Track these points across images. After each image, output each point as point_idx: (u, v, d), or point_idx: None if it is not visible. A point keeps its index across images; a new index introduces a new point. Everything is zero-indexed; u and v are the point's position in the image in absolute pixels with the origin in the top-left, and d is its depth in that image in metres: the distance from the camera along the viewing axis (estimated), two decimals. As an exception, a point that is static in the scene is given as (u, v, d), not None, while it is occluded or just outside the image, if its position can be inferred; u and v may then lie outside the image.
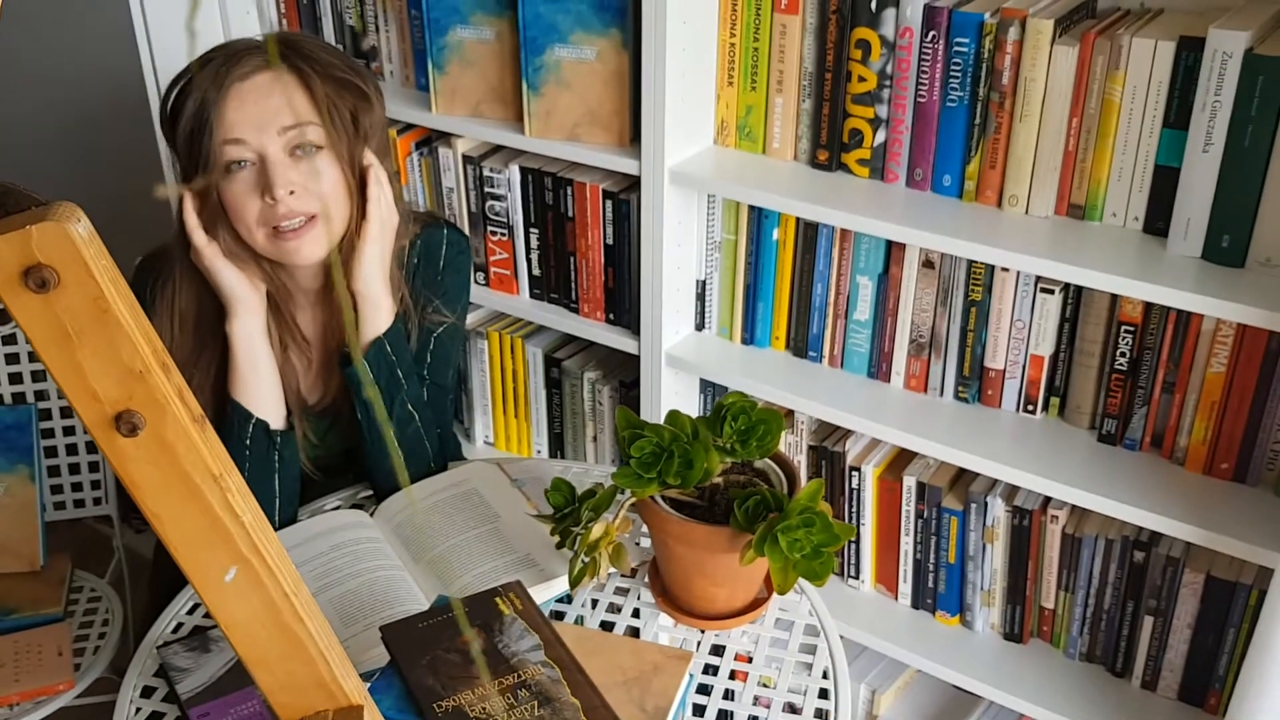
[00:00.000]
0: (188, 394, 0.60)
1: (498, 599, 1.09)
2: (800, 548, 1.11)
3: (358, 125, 1.31)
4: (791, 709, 1.15)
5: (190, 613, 1.29)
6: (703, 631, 1.24)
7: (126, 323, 0.57)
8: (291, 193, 1.26)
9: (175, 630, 1.26)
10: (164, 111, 1.31)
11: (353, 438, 1.45)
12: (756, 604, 1.27)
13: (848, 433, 1.65)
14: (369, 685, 0.91)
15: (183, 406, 0.60)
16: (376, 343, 1.34)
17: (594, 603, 1.27)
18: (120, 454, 0.60)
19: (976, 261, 1.44)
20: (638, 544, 1.36)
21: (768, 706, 1.15)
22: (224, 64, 1.25)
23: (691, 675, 1.07)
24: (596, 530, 1.20)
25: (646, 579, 1.29)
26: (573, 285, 1.73)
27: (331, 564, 1.28)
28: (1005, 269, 1.42)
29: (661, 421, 1.21)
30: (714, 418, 1.22)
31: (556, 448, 1.91)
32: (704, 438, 1.20)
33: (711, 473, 1.19)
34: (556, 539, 1.24)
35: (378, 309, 1.34)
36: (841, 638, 1.24)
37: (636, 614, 1.26)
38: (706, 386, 1.75)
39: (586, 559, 1.21)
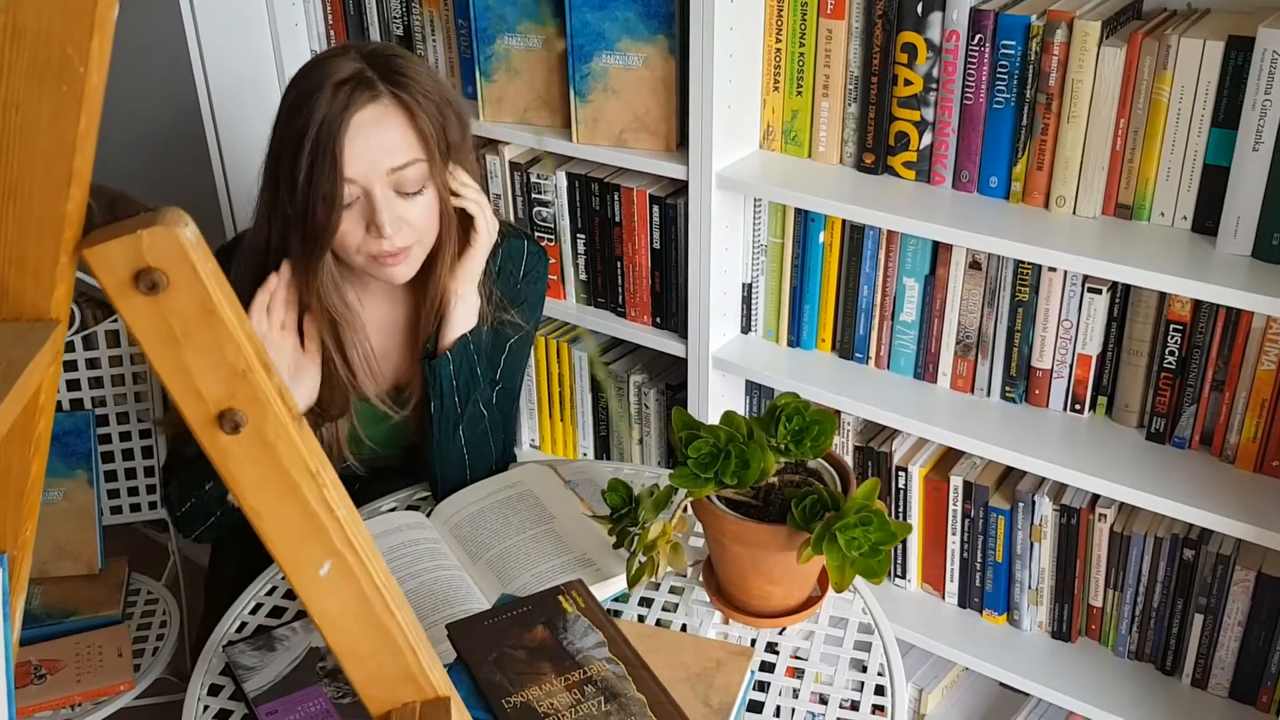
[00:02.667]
0: (287, 393, 0.63)
1: (560, 597, 1.11)
2: (858, 546, 1.12)
3: (450, 145, 1.32)
4: (852, 706, 1.16)
5: (253, 612, 1.31)
6: (757, 630, 1.25)
7: (231, 324, 0.59)
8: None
9: (239, 630, 1.29)
10: (277, 132, 1.31)
11: (410, 436, 1.47)
12: (810, 602, 1.28)
13: (894, 433, 1.66)
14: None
15: (283, 405, 0.62)
16: (462, 339, 1.37)
17: (647, 602, 1.28)
18: (222, 451, 0.62)
19: (1024, 262, 1.45)
20: (689, 543, 1.37)
21: (824, 702, 1.16)
22: (335, 94, 1.25)
23: (752, 672, 1.09)
24: (654, 530, 1.22)
25: (700, 578, 1.31)
26: (619, 289, 1.75)
27: (391, 563, 1.30)
28: (1052, 269, 1.43)
29: (712, 423, 1.23)
30: (768, 418, 1.24)
31: (602, 451, 1.93)
32: (759, 438, 1.22)
33: (767, 473, 1.20)
34: (613, 539, 1.26)
35: (469, 307, 1.38)
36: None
37: (683, 611, 1.28)
38: (752, 388, 1.76)
39: (644, 558, 1.23)
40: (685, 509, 1.25)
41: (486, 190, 1.84)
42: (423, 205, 1.31)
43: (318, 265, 1.32)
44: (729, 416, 1.23)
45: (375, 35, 1.89)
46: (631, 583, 1.23)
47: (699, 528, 1.37)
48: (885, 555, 1.13)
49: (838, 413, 1.65)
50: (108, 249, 0.56)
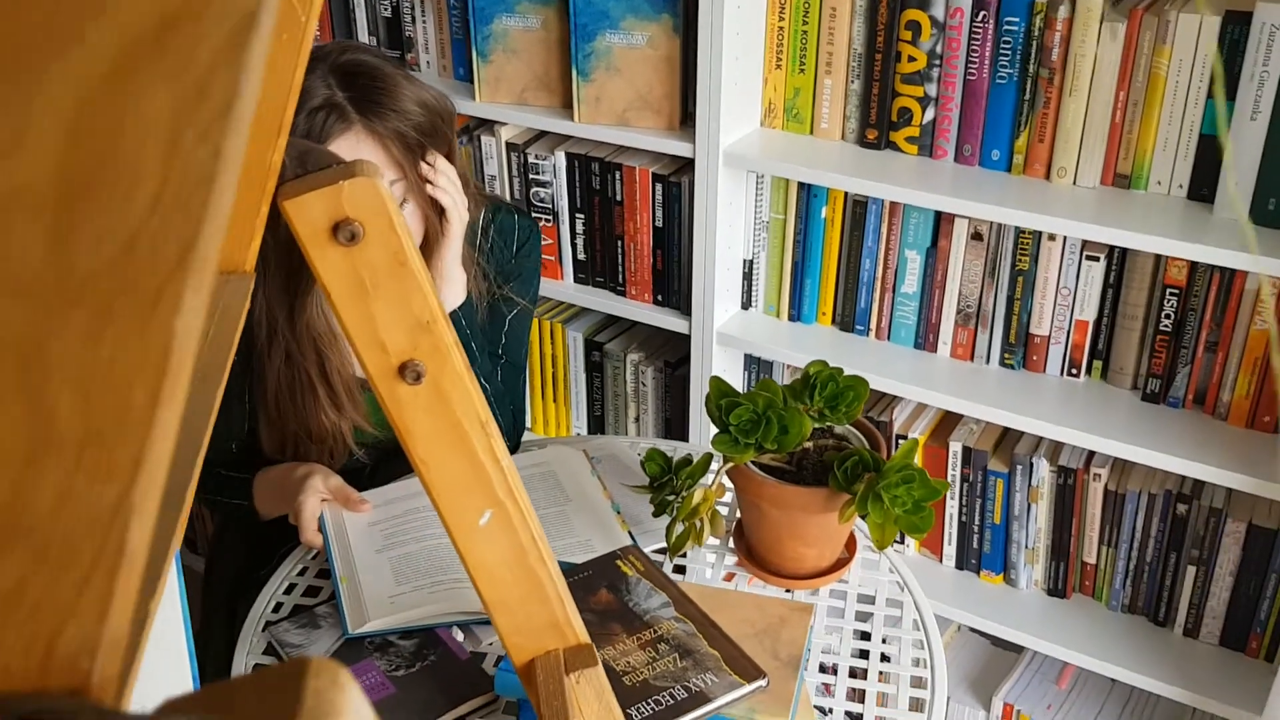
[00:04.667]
0: (459, 345, 0.64)
1: (619, 562, 1.13)
2: (901, 503, 1.16)
3: (425, 151, 1.33)
4: (884, 658, 1.21)
5: (287, 592, 1.31)
6: (789, 591, 1.29)
7: (419, 275, 0.60)
8: None
9: (275, 610, 1.28)
10: None
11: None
12: (840, 564, 1.32)
13: (893, 401, 1.71)
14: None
15: (460, 356, 0.63)
16: (452, 316, 1.38)
17: (680, 570, 1.31)
18: (400, 402, 0.63)
19: (1024, 232, 1.50)
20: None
21: (865, 656, 1.20)
22: (308, 123, 1.25)
23: (813, 627, 1.12)
24: (696, 496, 1.24)
25: (730, 544, 1.34)
26: (620, 268, 1.77)
27: (399, 527, 1.31)
28: (1051, 238, 1.49)
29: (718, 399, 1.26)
30: (800, 386, 1.27)
31: (596, 430, 1.94)
32: (793, 404, 1.25)
33: (804, 438, 1.24)
34: (653, 508, 1.28)
35: (453, 284, 1.38)
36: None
37: (714, 577, 1.31)
38: (751, 363, 1.79)
39: (685, 525, 1.25)
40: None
41: (479, 171, 1.84)
42: (404, 217, 1.31)
43: (305, 301, 1.33)
44: (765, 384, 1.26)
45: (361, 16, 1.87)
46: (674, 550, 1.25)
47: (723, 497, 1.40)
48: (929, 512, 1.17)
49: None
50: (308, 200, 0.57)
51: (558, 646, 0.73)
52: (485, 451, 0.65)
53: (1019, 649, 1.81)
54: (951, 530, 1.71)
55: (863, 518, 1.19)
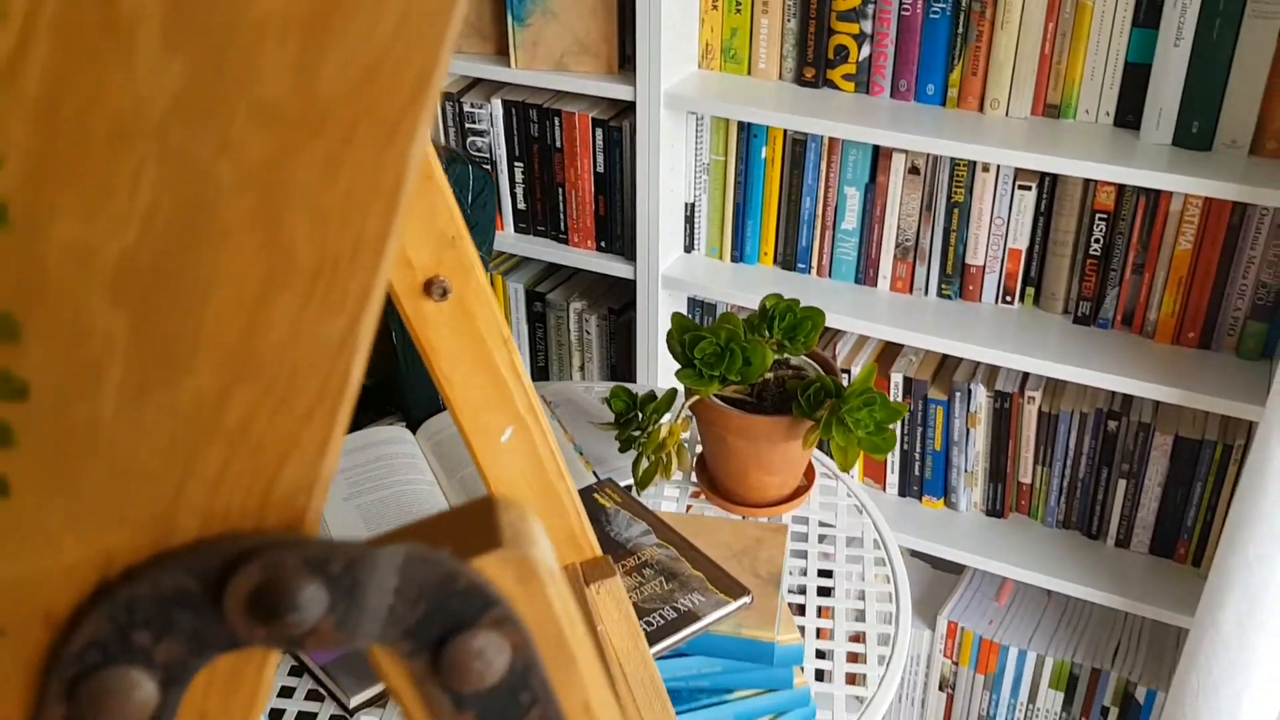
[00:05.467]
0: (480, 262, 0.64)
1: (596, 495, 1.15)
2: (865, 426, 1.20)
3: None
4: (859, 577, 1.25)
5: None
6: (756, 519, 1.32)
7: (444, 189, 0.61)
8: None
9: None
10: None
11: (380, 369, 1.47)
12: (799, 491, 1.36)
13: (835, 335, 1.75)
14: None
15: (483, 273, 0.64)
16: None
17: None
18: (424, 319, 0.64)
19: (959, 163, 1.55)
20: (679, 447, 1.43)
21: (830, 576, 1.24)
22: None
23: (788, 547, 1.15)
24: (663, 430, 1.27)
25: (693, 477, 1.36)
26: (561, 216, 1.77)
27: (367, 473, 1.31)
28: (985, 168, 1.54)
29: (664, 343, 1.28)
30: (758, 318, 1.30)
31: (541, 380, 1.95)
32: (753, 337, 1.28)
33: (765, 369, 1.27)
34: (618, 444, 1.30)
35: None
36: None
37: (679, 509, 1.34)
38: (694, 306, 1.82)
39: (650, 459, 1.28)
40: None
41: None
42: None
43: None
44: (726, 317, 1.28)
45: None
46: (641, 484, 1.27)
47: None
48: (890, 433, 1.21)
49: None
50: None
51: (575, 560, 0.75)
52: (508, 368, 0.66)
53: (960, 569, 1.88)
54: (894, 458, 1.77)
55: (826, 442, 1.23)
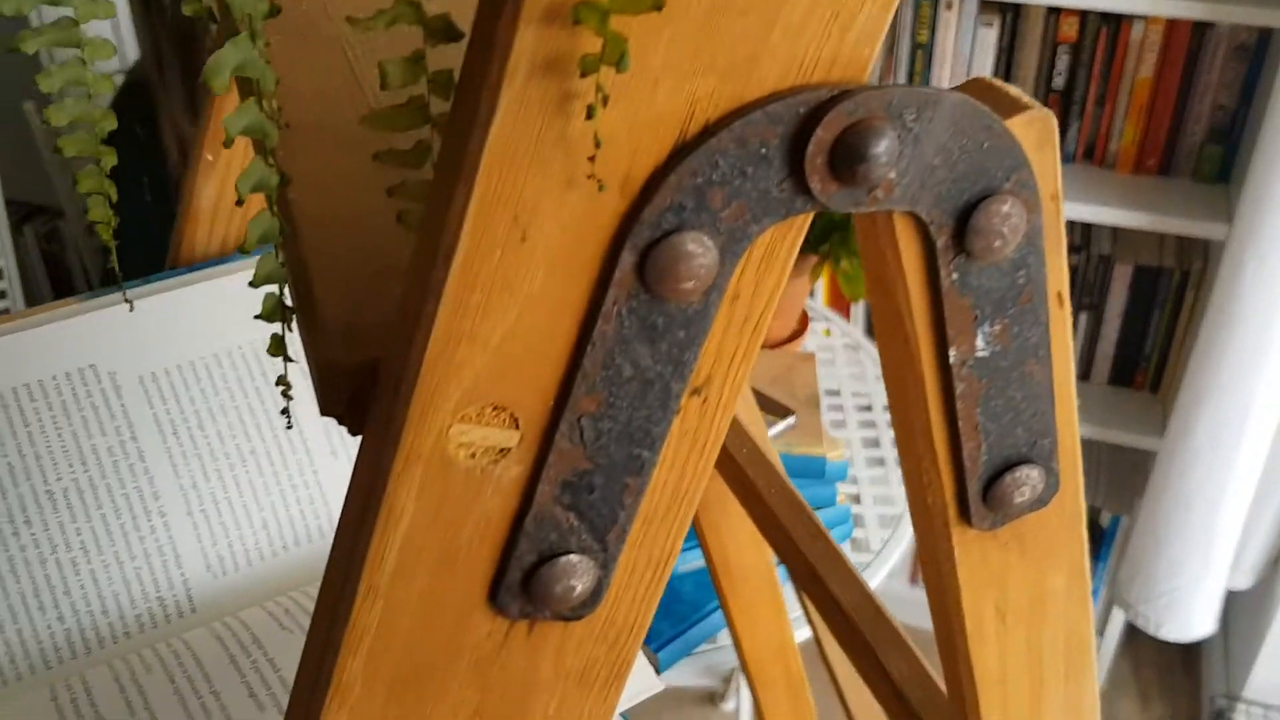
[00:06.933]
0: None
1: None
2: (874, 252, 1.20)
3: None
4: (867, 407, 1.26)
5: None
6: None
7: None
8: None
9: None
10: None
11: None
12: (796, 334, 1.36)
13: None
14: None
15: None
16: None
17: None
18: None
19: (923, 2, 1.54)
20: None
21: (840, 409, 1.25)
22: None
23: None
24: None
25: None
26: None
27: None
28: (949, 5, 1.53)
29: None
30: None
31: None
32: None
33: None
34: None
35: None
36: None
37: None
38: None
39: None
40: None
41: None
42: None
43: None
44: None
45: None
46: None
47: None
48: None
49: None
50: None
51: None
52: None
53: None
54: (859, 313, 1.78)
55: (835, 271, 1.22)
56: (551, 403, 0.27)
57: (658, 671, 0.74)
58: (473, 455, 0.27)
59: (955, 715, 0.39)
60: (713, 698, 1.83)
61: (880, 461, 1.21)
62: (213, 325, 0.51)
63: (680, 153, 0.25)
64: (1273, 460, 1.51)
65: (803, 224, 0.28)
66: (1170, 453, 1.53)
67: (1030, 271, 0.30)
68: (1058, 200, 0.30)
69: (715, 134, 0.25)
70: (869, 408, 1.27)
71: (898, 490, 1.16)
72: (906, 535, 1.13)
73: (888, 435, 1.23)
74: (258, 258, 0.30)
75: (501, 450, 0.27)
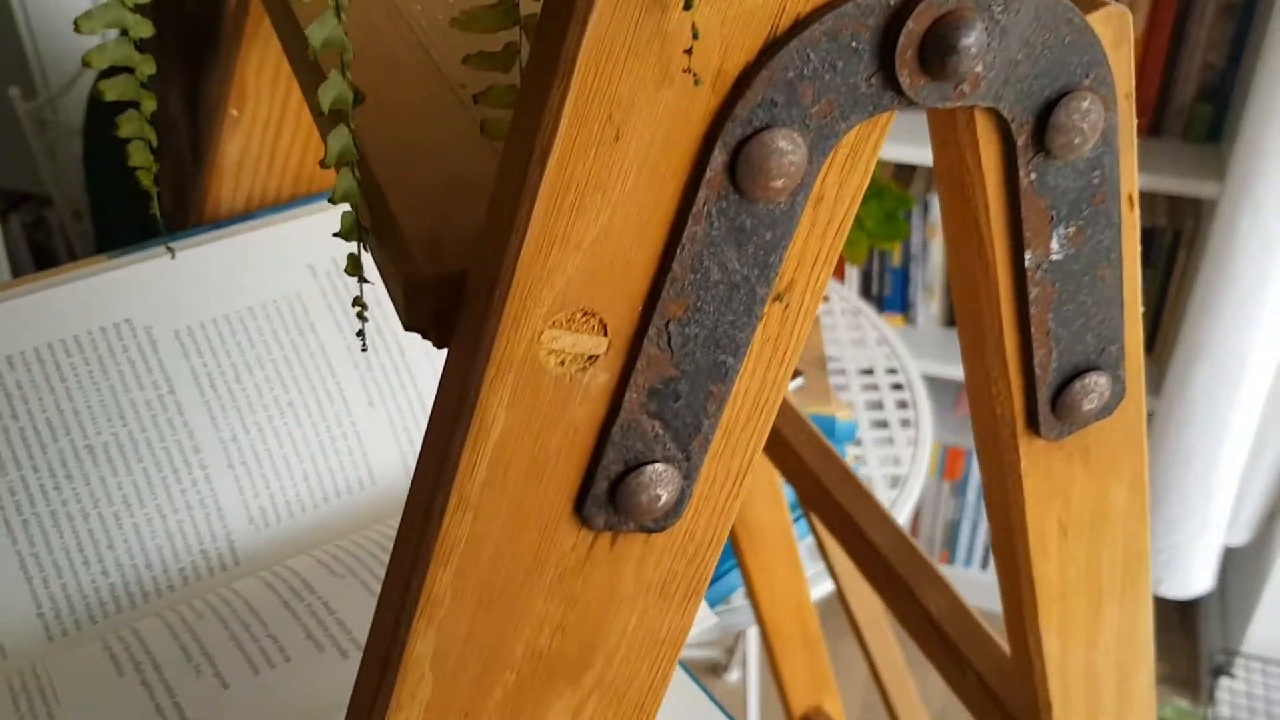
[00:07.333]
0: None
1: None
2: (874, 216, 1.20)
3: None
4: (868, 371, 1.26)
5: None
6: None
7: None
8: None
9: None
10: None
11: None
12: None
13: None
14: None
15: None
16: None
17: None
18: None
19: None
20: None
21: (842, 374, 1.26)
22: None
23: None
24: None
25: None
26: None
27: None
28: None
29: None
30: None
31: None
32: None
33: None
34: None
35: None
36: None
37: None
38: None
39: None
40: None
41: None
42: None
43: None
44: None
45: None
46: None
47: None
48: (900, 221, 1.22)
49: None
50: None
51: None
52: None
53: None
54: (854, 277, 1.78)
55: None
56: (640, 307, 0.27)
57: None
58: (562, 363, 0.27)
59: (1014, 630, 0.40)
60: (716, 669, 1.84)
61: (883, 424, 1.21)
62: (247, 279, 0.51)
63: (772, 47, 0.25)
64: (1268, 417, 1.53)
65: (886, 124, 0.28)
66: (1166, 411, 1.55)
67: (1105, 171, 0.31)
68: (1131, 100, 0.30)
69: (807, 26, 0.25)
70: (870, 371, 1.28)
71: (904, 451, 1.17)
72: (914, 495, 1.14)
73: (891, 398, 1.24)
74: (296, 209, 0.29)
75: (590, 357, 0.27)
